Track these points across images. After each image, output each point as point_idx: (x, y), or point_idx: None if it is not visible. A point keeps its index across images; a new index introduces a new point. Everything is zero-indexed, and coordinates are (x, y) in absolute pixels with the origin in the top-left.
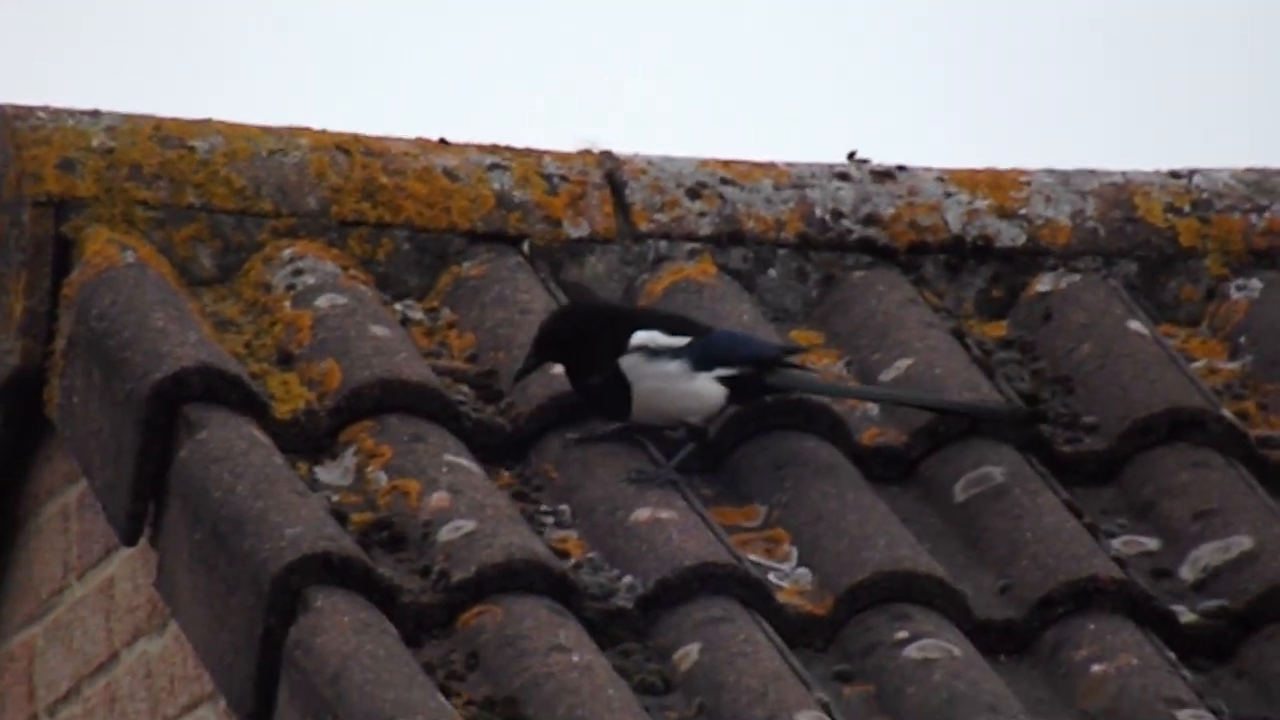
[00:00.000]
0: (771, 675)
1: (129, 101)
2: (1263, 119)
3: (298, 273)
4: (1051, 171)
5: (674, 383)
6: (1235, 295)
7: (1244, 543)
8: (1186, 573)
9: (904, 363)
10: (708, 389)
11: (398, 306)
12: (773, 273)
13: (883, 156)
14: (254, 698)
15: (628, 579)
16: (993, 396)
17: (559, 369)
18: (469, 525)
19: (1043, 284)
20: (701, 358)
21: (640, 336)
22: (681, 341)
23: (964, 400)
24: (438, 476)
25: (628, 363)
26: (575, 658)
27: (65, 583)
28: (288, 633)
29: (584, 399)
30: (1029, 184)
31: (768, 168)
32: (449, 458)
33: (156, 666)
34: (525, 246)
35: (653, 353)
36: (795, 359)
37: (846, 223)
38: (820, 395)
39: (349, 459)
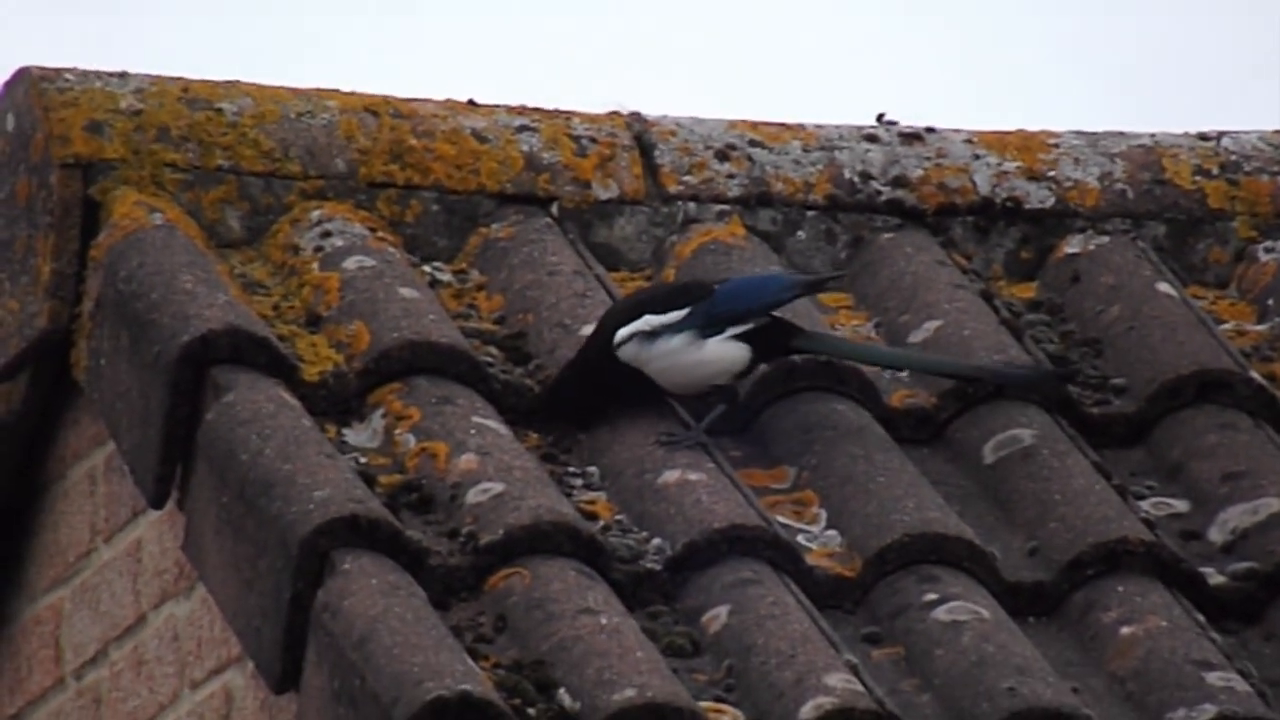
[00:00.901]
0: (800, 637)
1: (157, 64)
2: None
3: (326, 234)
4: (1080, 133)
5: (681, 356)
6: (1264, 257)
7: (1272, 505)
8: (1215, 535)
9: (932, 324)
10: (723, 351)
11: (426, 268)
12: (801, 234)
13: (911, 118)
14: (281, 661)
15: (656, 541)
16: (1021, 358)
17: (589, 329)
18: (497, 487)
19: (1071, 246)
20: (706, 323)
21: (623, 332)
22: (679, 314)
23: (992, 365)
24: (466, 438)
25: (627, 353)
26: (604, 620)
27: (92, 546)
28: (315, 595)
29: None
30: (1057, 146)
31: (796, 129)
32: (477, 419)
33: (184, 630)
34: (554, 208)
35: (649, 335)
36: (822, 328)
37: (875, 184)
38: (848, 360)
39: (377, 421)
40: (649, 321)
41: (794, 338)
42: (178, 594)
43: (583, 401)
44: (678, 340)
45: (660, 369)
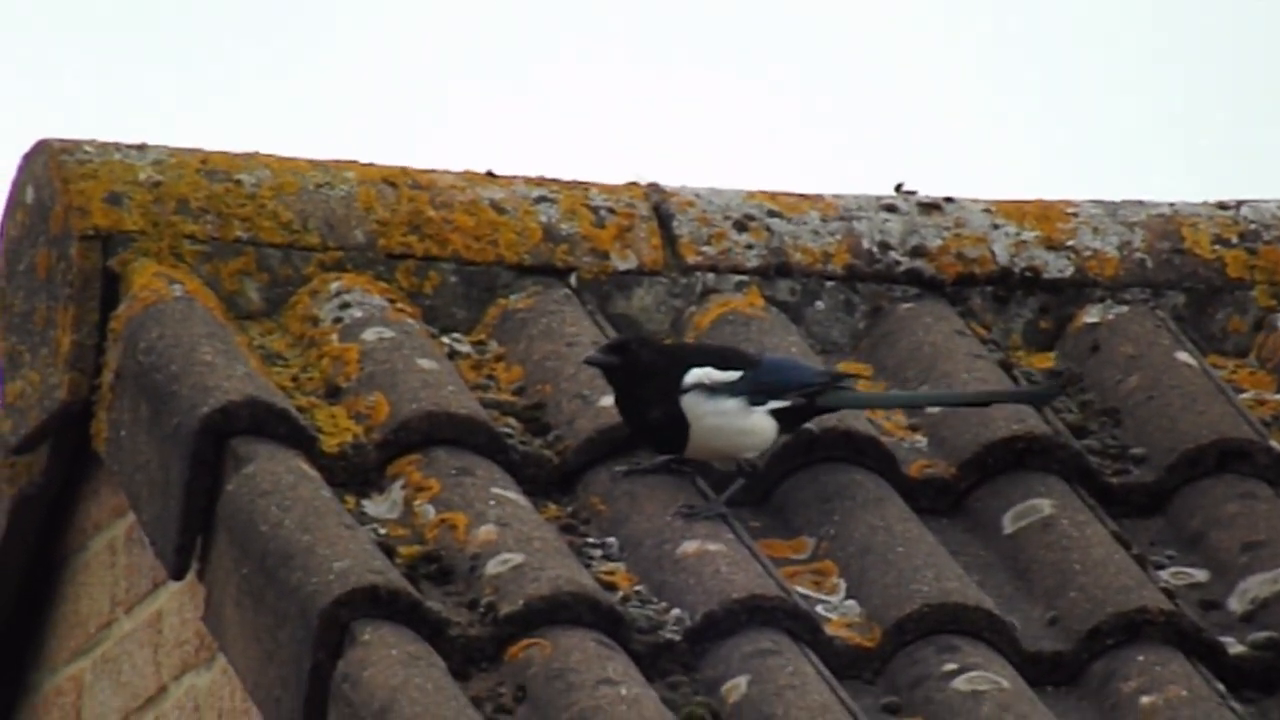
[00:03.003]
0: (820, 708)
1: (176, 136)
2: None
3: (345, 306)
4: (1099, 203)
5: (732, 420)
6: None
7: None
8: (1235, 604)
9: None
10: (762, 424)
11: (445, 339)
12: (820, 305)
13: (930, 188)
14: None
15: (676, 611)
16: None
17: (608, 401)
18: (517, 558)
19: (1090, 315)
20: (754, 391)
21: (695, 374)
22: (734, 376)
23: (998, 390)
24: (485, 509)
25: (689, 401)
26: (623, 690)
27: (113, 617)
28: (336, 666)
29: (635, 431)
30: (1076, 215)
31: (815, 199)
32: (496, 491)
33: (204, 700)
34: (572, 279)
35: (710, 390)
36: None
37: (894, 254)
38: (862, 408)
39: (397, 492)
40: (710, 375)
41: (816, 398)
42: (199, 665)
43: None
44: (732, 403)
45: (709, 427)
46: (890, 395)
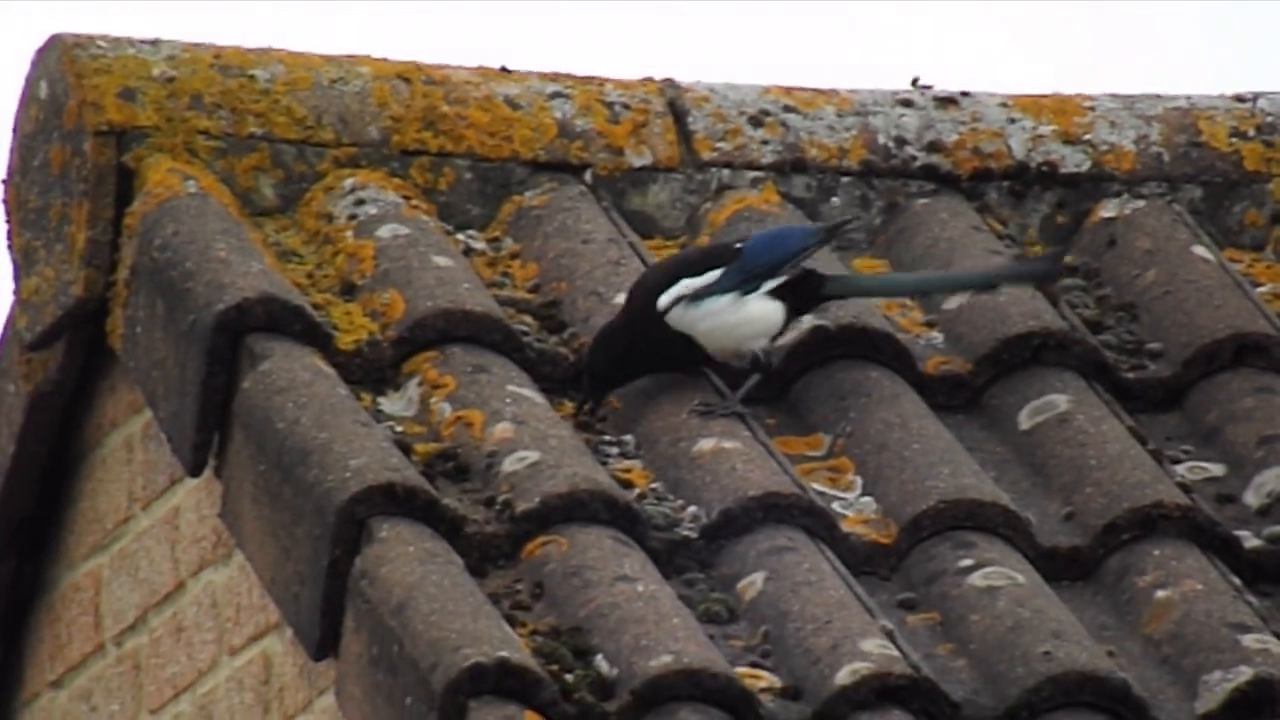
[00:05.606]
0: (836, 604)
1: (189, 30)
2: None
3: (359, 203)
4: (1116, 96)
5: (727, 315)
6: None
7: None
8: (1251, 498)
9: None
10: (763, 310)
11: (460, 237)
12: (836, 201)
13: (946, 83)
14: (320, 628)
15: (692, 509)
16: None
17: (623, 298)
18: (533, 456)
19: (1107, 210)
20: (743, 280)
21: (670, 293)
22: (715, 275)
23: (1002, 268)
24: (501, 407)
25: (675, 317)
26: (640, 587)
27: (130, 513)
28: (353, 563)
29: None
30: (1093, 109)
31: (830, 95)
32: (512, 388)
33: (222, 596)
34: (588, 176)
35: (693, 298)
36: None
37: (910, 150)
38: (868, 296)
39: (412, 390)
40: (688, 285)
41: (824, 285)
42: (216, 561)
43: (626, 369)
44: (724, 301)
45: (707, 329)
46: (896, 279)
